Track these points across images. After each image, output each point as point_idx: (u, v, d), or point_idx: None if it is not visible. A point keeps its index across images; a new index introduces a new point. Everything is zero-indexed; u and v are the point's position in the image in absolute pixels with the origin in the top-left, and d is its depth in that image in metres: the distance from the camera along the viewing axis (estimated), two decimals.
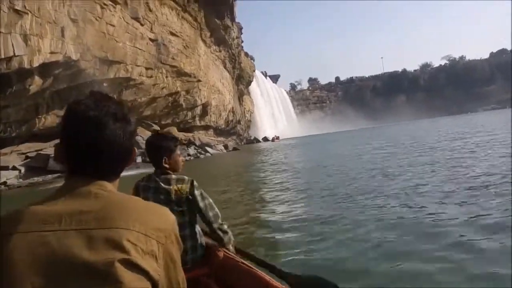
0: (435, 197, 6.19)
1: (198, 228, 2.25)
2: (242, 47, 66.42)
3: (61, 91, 20.41)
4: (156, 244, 0.77)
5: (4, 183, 17.12)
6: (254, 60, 79.94)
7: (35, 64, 16.41)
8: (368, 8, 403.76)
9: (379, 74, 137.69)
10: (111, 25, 23.20)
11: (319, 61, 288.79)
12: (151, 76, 28.82)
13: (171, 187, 2.17)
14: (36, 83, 17.60)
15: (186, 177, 2.23)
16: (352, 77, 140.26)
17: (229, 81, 56.27)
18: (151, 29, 28.82)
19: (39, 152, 19.60)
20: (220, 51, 51.67)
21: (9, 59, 15.18)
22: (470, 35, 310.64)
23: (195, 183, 2.22)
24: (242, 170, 16.15)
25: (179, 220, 2.00)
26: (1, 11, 14.40)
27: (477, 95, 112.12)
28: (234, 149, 41.08)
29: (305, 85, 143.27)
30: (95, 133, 0.81)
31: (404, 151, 14.87)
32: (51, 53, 17.39)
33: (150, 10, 28.84)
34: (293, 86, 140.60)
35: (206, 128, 44.46)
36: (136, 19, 26.42)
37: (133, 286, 0.71)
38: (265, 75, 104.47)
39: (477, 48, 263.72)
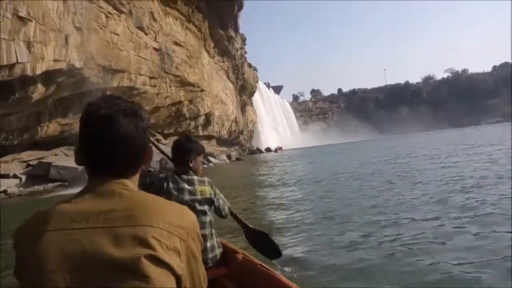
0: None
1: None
2: (246, 58, 66.64)
3: (64, 99, 20.27)
4: (178, 241, 0.80)
5: (5, 191, 16.87)
6: (257, 71, 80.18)
7: (38, 71, 16.26)
8: (370, 20, 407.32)
9: (382, 86, 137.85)
10: (116, 34, 23.17)
11: (322, 72, 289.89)
12: (155, 86, 28.74)
13: (196, 187, 2.29)
14: (39, 91, 17.45)
15: (206, 179, 2.38)
16: (355, 88, 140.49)
17: (232, 92, 56.29)
18: (155, 38, 28.83)
19: (41, 160, 19.38)
20: (223, 61, 51.80)
21: (11, 66, 15.03)
22: (472, 48, 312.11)
23: (213, 184, 2.40)
24: (248, 181, 15.75)
25: (201, 219, 2.21)
26: (5, 17, 14.30)
27: (480, 108, 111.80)
28: (237, 159, 40.78)
29: (307, 96, 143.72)
30: (106, 129, 0.85)
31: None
32: (55, 60, 17.27)
33: (155, 20, 28.89)
34: (295, 97, 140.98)
35: (209, 138, 44.29)
36: (141, 28, 26.43)
37: (159, 280, 0.74)
38: (268, 86, 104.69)
39: (479, 61, 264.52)
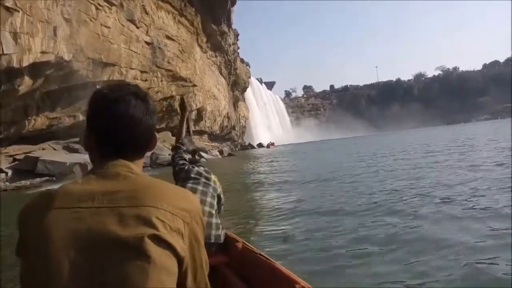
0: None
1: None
2: (238, 53, 66.34)
3: (52, 92, 19.82)
4: (182, 223, 0.81)
5: None
6: (249, 67, 79.95)
7: (25, 63, 15.83)
8: (362, 18, 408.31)
9: (373, 83, 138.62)
10: (106, 26, 22.73)
11: (314, 69, 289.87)
12: (146, 80, 28.33)
13: (212, 176, 2.53)
14: (25, 84, 17.01)
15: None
16: (347, 85, 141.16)
17: (225, 87, 55.96)
18: (147, 32, 28.41)
19: (28, 154, 18.92)
20: (216, 56, 51.43)
21: None
22: (462, 47, 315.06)
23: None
24: (244, 177, 15.37)
25: (212, 208, 2.36)
26: None
27: (470, 105, 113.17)
28: (229, 154, 40.53)
29: (300, 92, 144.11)
30: (119, 110, 0.88)
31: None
32: (42, 52, 16.83)
33: (146, 13, 28.44)
34: (288, 93, 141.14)
35: (200, 133, 44.00)
36: (132, 21, 25.98)
37: (161, 260, 0.76)
38: (261, 81, 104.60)
39: (470, 59, 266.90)
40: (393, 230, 4.58)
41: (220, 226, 2.35)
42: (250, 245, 2.16)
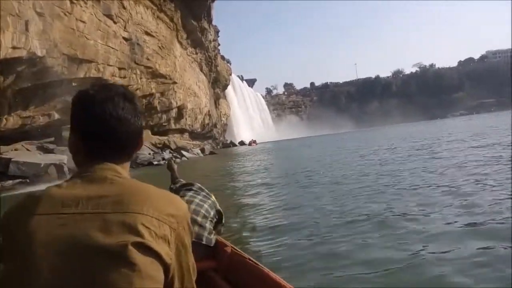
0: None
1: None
2: (219, 50, 65.67)
3: (25, 90, 18.88)
4: (168, 229, 0.79)
5: None
6: (230, 64, 79.30)
7: None
8: (341, 15, 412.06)
9: (353, 80, 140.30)
10: (82, 21, 21.86)
11: (294, 66, 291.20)
12: (125, 77, 27.49)
13: (212, 195, 2.59)
14: None
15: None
16: (327, 82, 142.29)
17: (205, 84, 55.26)
18: (125, 27, 27.55)
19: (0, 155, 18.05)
20: (196, 53, 50.67)
21: None
22: (439, 44, 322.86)
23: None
24: (230, 178, 14.75)
25: (208, 214, 2.38)
26: None
27: (446, 102, 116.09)
28: (211, 153, 39.97)
29: (280, 89, 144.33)
30: (109, 110, 0.84)
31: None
32: (13, 48, 15.98)
33: (124, 8, 27.59)
34: (269, 91, 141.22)
35: (181, 131, 43.27)
36: (109, 16, 25.13)
37: (146, 268, 0.74)
38: (242, 79, 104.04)
39: (446, 56, 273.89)
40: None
41: (213, 232, 2.34)
42: (239, 250, 2.13)
